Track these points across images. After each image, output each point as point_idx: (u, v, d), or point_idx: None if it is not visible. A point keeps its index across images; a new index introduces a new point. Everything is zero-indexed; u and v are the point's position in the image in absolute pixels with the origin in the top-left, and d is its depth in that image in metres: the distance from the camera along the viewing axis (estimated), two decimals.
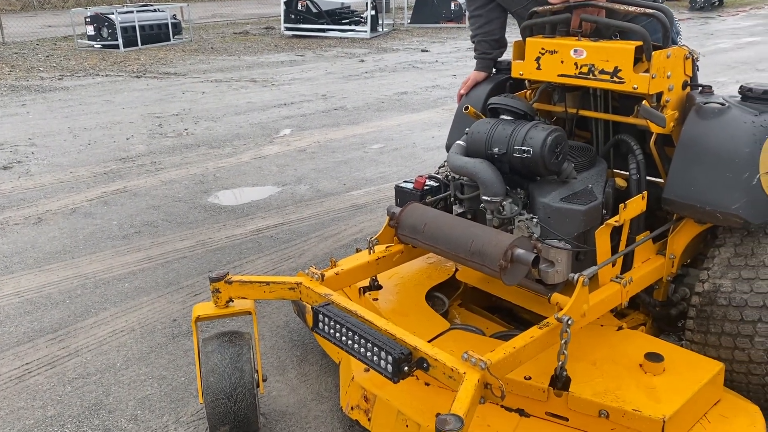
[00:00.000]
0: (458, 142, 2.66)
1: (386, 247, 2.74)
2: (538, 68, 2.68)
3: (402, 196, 3.09)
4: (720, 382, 2.28)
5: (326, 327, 2.25)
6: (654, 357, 2.25)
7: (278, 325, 3.42)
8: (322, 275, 2.50)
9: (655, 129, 2.52)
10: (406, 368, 2.03)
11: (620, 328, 2.53)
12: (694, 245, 2.69)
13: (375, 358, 2.07)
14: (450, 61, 13.19)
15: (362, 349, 2.11)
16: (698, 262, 2.70)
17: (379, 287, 2.90)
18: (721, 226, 2.50)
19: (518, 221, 2.48)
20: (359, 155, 6.62)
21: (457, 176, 2.67)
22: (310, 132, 7.60)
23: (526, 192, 2.53)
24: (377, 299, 2.82)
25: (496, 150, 2.48)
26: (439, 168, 3.61)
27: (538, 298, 2.57)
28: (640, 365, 2.27)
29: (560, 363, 2.16)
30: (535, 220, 2.44)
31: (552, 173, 2.46)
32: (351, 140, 7.21)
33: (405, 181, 3.15)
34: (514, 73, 2.79)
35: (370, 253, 2.71)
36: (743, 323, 2.38)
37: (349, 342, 2.16)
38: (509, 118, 2.59)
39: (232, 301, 2.54)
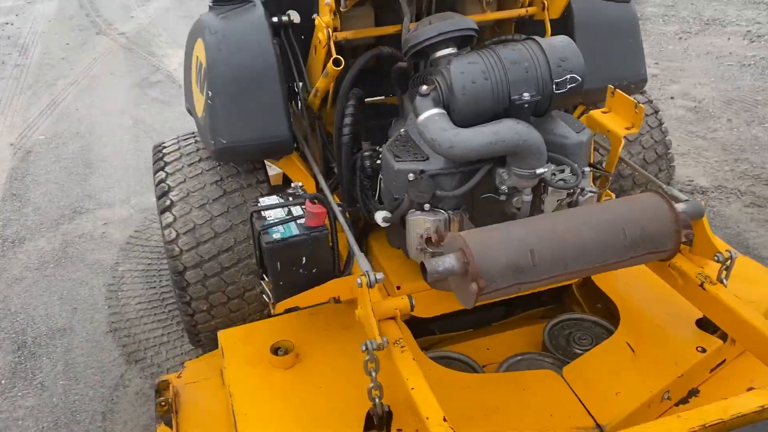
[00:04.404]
0: (434, 109, 1.68)
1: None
2: None
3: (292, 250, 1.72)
4: None
5: None
6: None
7: None
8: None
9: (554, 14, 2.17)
10: None
11: None
12: None
13: None
14: None
15: None
16: None
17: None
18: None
19: (559, 181, 1.80)
20: None
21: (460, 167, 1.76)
22: None
23: None
24: None
25: (525, 96, 1.68)
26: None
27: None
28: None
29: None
30: (587, 169, 1.83)
31: None
32: None
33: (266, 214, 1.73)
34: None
35: None
36: None
37: None
38: (454, 50, 1.79)
39: None
